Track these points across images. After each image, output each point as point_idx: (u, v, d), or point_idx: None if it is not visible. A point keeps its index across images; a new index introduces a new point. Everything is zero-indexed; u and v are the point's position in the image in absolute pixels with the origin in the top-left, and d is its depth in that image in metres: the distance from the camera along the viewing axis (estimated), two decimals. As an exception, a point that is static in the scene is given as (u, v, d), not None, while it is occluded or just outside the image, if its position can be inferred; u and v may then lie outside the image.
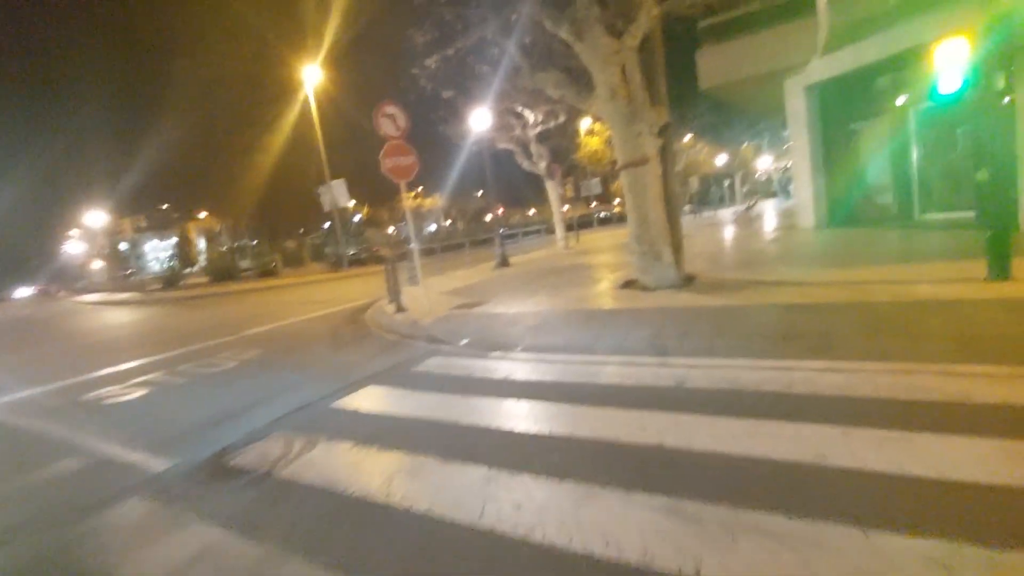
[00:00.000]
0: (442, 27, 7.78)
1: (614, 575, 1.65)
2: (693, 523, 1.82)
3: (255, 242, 51.01)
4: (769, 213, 21.28)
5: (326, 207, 19.32)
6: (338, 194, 18.31)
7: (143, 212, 69.77)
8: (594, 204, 36.02)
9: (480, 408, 3.38)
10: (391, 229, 49.35)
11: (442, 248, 29.52)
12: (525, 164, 15.82)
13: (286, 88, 25.33)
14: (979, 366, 2.84)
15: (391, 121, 6.97)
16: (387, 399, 3.91)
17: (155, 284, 33.86)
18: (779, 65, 10.52)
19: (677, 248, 6.39)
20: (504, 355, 4.60)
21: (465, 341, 5.26)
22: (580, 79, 6.69)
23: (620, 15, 5.86)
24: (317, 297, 12.94)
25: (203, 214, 57.47)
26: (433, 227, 53.36)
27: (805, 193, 11.29)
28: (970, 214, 8.19)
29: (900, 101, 9.55)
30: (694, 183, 33.59)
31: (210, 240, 59.62)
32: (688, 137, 32.90)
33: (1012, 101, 4.32)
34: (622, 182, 6.41)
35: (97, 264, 51.42)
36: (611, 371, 3.73)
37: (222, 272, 29.74)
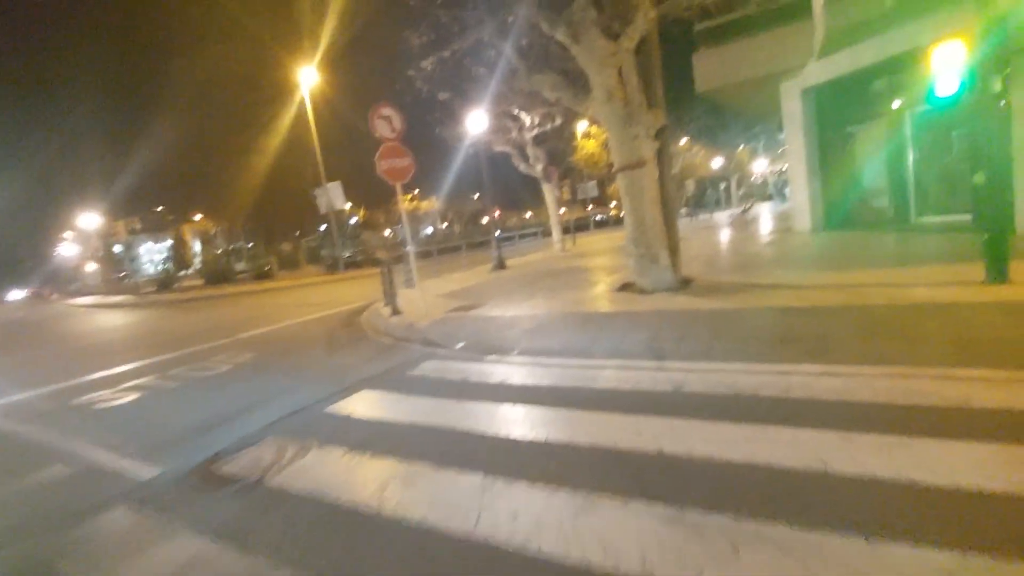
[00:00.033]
0: (438, 29, 7.78)
1: (612, 586, 1.61)
2: (693, 532, 1.79)
3: (251, 245, 50.86)
4: (765, 216, 21.33)
5: (322, 209, 19.25)
6: (334, 196, 18.25)
7: (138, 214, 69.21)
8: (591, 207, 36.02)
9: (476, 413, 3.34)
10: (387, 232, 49.17)
11: (438, 251, 29.48)
12: (522, 167, 15.80)
13: (282, 90, 25.24)
14: (977, 370, 2.82)
15: (387, 123, 6.94)
16: (382, 403, 3.87)
17: (149, 287, 33.75)
18: (775, 68, 10.53)
19: (674, 251, 6.38)
20: (500, 359, 4.56)
21: (461, 344, 5.22)
22: (577, 81, 6.69)
23: (617, 17, 5.86)
24: (313, 300, 12.88)
25: (198, 216, 57.16)
26: (429, 230, 53.27)
27: (801, 196, 11.29)
28: (966, 217, 8.22)
29: (896, 104, 9.57)
30: (690, 186, 33.62)
31: (205, 242, 59.35)
32: (684, 140, 32.96)
33: (1008, 104, 4.33)
34: (619, 185, 6.40)
35: (91, 267, 51.05)
36: (608, 375, 3.69)
37: (217, 275, 29.70)
